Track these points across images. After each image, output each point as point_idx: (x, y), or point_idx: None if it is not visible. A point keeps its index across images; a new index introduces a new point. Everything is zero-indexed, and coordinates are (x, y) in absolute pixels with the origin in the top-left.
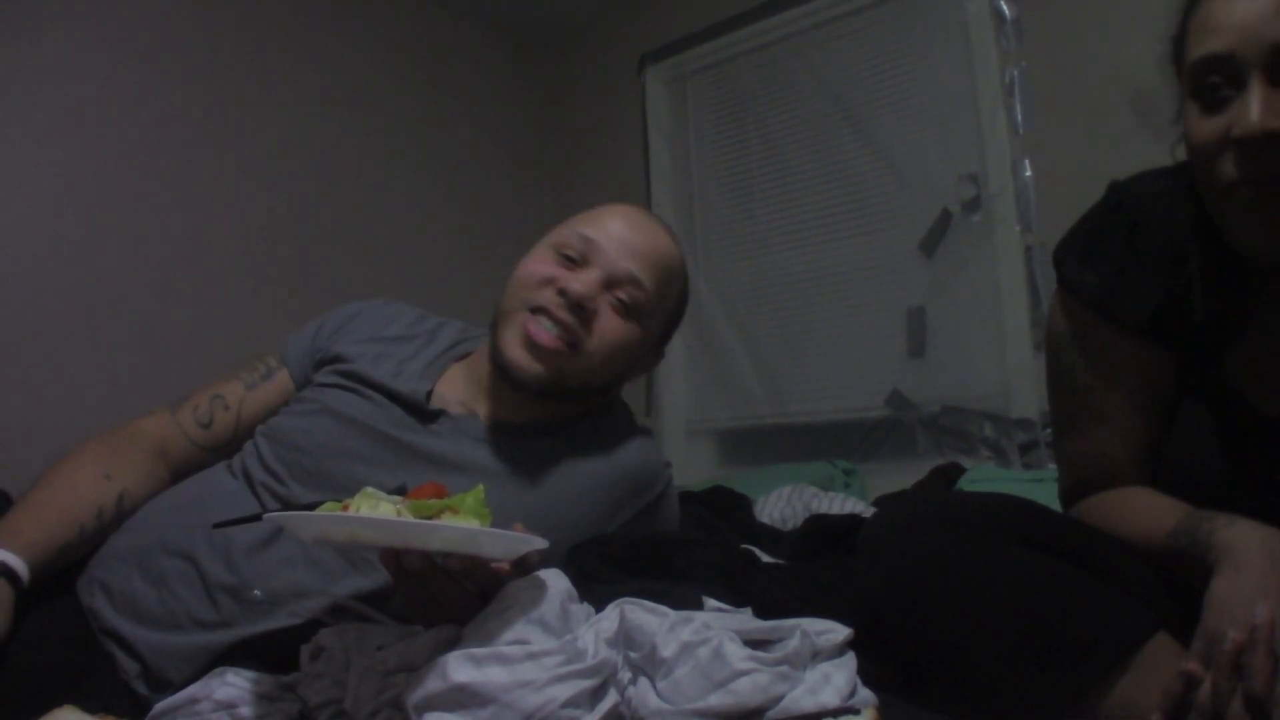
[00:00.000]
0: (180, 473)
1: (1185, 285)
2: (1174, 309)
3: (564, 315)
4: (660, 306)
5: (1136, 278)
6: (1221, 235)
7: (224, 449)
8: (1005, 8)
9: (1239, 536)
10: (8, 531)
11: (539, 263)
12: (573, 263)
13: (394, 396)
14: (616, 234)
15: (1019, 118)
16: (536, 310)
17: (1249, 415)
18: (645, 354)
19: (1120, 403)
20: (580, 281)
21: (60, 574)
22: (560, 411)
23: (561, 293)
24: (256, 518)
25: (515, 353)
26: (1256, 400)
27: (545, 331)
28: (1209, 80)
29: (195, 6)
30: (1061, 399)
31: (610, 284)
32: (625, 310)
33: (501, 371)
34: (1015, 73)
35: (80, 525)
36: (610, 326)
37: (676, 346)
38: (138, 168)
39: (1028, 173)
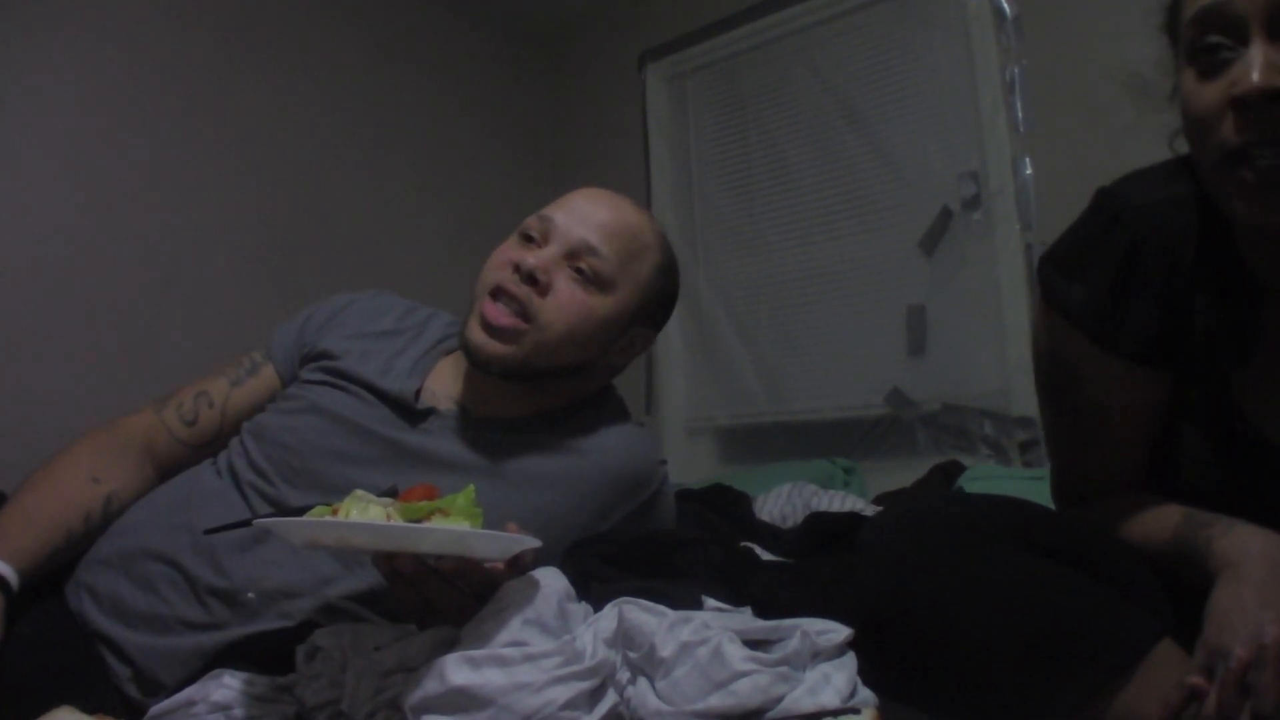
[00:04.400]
0: (167, 471)
1: (1188, 306)
2: (1175, 331)
3: (516, 289)
4: (628, 276)
5: (1135, 304)
6: (1227, 251)
7: (209, 446)
8: (1006, 6)
9: (1238, 545)
10: None
11: (503, 249)
12: (534, 242)
13: (382, 395)
14: (574, 209)
15: (1019, 116)
16: (496, 293)
17: (1258, 444)
18: (623, 331)
19: (1114, 427)
20: (535, 256)
21: (49, 576)
22: (548, 403)
23: (516, 268)
24: (246, 523)
25: (474, 335)
26: (1267, 429)
27: (499, 311)
28: (1207, 40)
29: (193, 4)
30: (1053, 418)
31: (569, 255)
32: (584, 280)
33: (466, 356)
34: (1016, 70)
35: (68, 529)
36: (567, 295)
37: (676, 344)
38: (133, 164)
39: (1028, 171)
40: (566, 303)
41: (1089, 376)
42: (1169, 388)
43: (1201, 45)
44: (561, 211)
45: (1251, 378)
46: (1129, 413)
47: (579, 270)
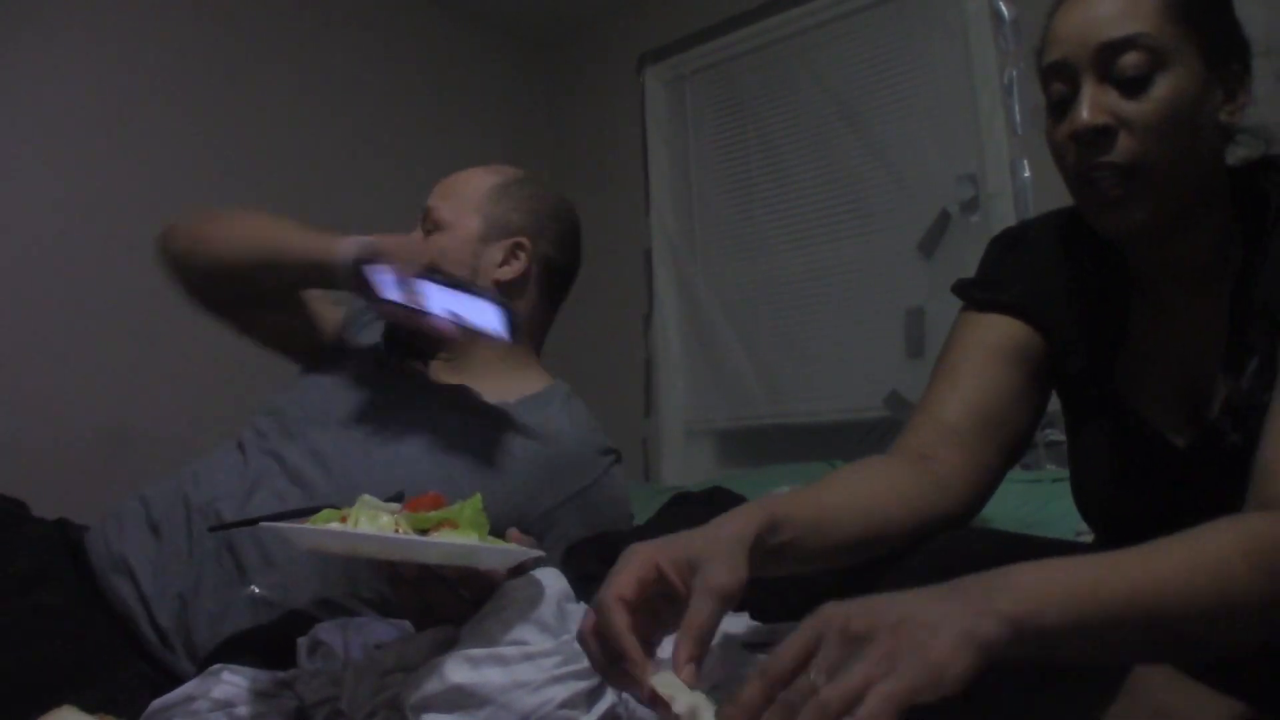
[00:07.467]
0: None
1: (1060, 290)
2: (1054, 302)
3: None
4: (464, 212)
5: (1009, 271)
6: (1099, 250)
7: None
8: (1004, 8)
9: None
10: None
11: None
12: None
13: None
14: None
15: (1017, 118)
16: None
17: (1151, 439)
18: (487, 250)
19: (973, 362)
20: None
21: (73, 554)
22: (501, 383)
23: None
24: (253, 522)
25: None
26: (1155, 421)
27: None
28: (1054, 88)
29: (194, 7)
30: (926, 389)
31: (426, 230)
32: (432, 231)
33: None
34: (1014, 73)
35: None
36: (423, 248)
37: (675, 346)
38: (135, 167)
39: (1026, 173)
40: (424, 253)
41: (964, 330)
42: (1038, 349)
43: (1050, 94)
44: None
45: (1128, 366)
46: (988, 353)
47: (426, 231)
